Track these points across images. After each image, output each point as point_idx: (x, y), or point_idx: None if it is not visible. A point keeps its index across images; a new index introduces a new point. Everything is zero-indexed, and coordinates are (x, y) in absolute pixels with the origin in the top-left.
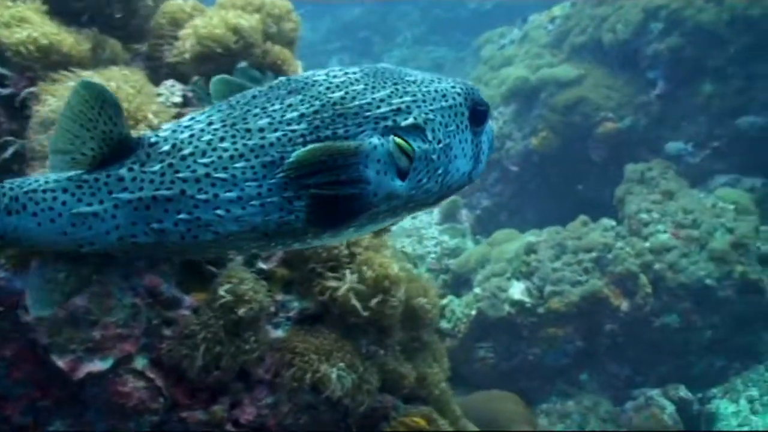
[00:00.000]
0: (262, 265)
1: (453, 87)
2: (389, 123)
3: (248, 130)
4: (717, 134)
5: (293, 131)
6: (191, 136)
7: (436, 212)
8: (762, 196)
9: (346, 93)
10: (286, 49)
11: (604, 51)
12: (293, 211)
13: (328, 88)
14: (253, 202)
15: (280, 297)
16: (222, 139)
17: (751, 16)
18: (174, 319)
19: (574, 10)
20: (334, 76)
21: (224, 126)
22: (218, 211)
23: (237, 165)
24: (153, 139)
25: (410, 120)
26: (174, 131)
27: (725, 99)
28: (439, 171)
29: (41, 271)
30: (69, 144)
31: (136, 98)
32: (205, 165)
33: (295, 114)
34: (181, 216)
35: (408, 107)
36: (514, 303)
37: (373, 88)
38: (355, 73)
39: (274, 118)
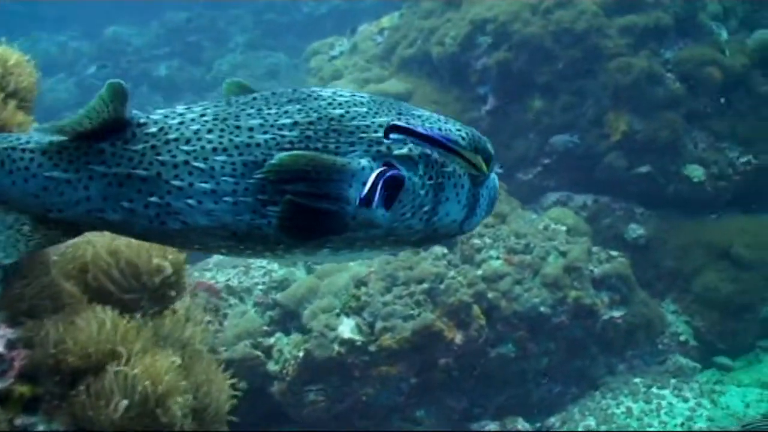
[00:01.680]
0: None
1: (459, 130)
2: (383, 149)
3: (238, 127)
4: (547, 151)
5: (283, 136)
6: (181, 123)
7: None
8: (593, 213)
9: (347, 111)
10: (21, 110)
11: (433, 64)
12: (266, 216)
13: (330, 104)
14: (226, 198)
15: (20, 420)
16: (209, 131)
17: (578, 29)
18: None
19: (403, 21)
20: (340, 95)
21: (215, 119)
22: (190, 201)
23: (217, 158)
24: (143, 120)
25: (404, 150)
26: (166, 116)
27: (554, 115)
28: (425, 209)
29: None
30: (68, 127)
31: None
32: (187, 152)
33: (288, 120)
34: (153, 199)
35: (406, 138)
36: (344, 342)
37: (376, 113)
38: (362, 96)
39: (266, 121)
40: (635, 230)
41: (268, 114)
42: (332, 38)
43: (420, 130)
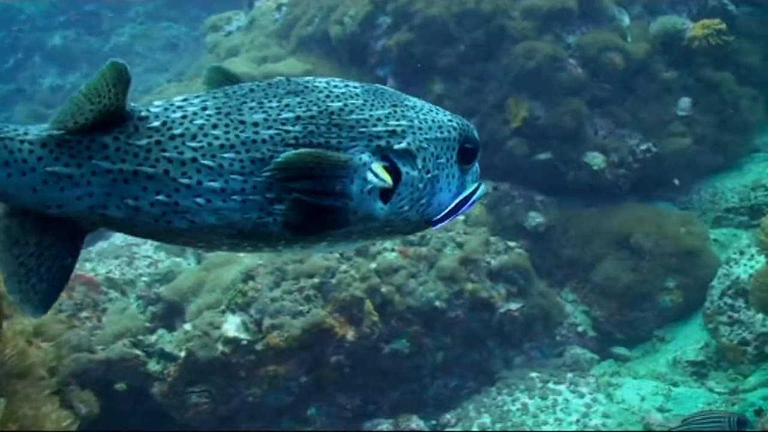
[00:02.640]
0: None
1: (450, 120)
2: (382, 143)
3: (242, 122)
4: None
5: (287, 132)
6: (183, 117)
7: None
8: (494, 200)
9: (345, 105)
10: None
11: (332, 44)
12: (272, 214)
13: (327, 96)
14: (235, 197)
15: None
16: (215, 126)
17: (483, 11)
18: None
19: None
20: (335, 86)
21: (218, 113)
22: (198, 200)
23: (226, 155)
24: (143, 113)
25: (404, 144)
26: (166, 109)
27: (457, 100)
28: (422, 201)
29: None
30: (68, 115)
31: None
32: (194, 149)
33: (291, 115)
34: (160, 197)
35: (403, 131)
36: (229, 341)
37: (372, 105)
38: (356, 87)
39: (269, 115)
40: (535, 218)
41: (270, 108)
42: (230, 12)
43: (453, 212)
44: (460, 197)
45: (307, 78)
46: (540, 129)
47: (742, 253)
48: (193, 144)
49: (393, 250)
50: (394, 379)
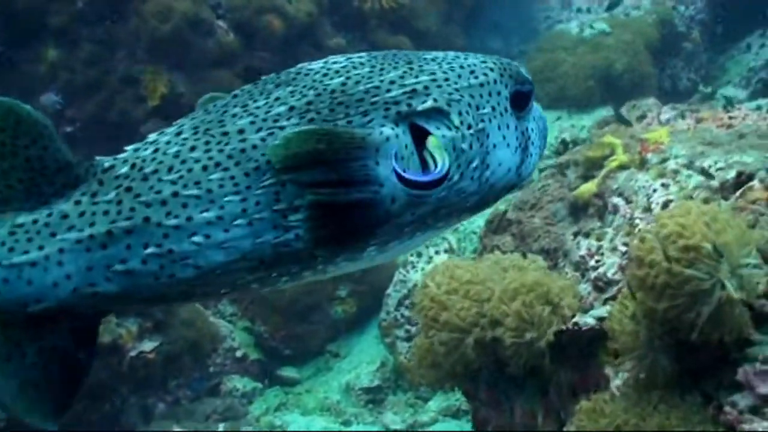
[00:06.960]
0: None
1: (484, 62)
2: (403, 108)
3: (225, 134)
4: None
5: (281, 128)
6: (155, 151)
7: None
8: None
9: (348, 78)
10: None
11: None
12: (290, 228)
13: (325, 75)
14: (238, 222)
15: None
16: (192, 149)
17: None
18: None
19: None
20: (334, 63)
21: (196, 133)
22: (195, 238)
23: (212, 177)
24: (109, 164)
25: (429, 103)
26: (136, 149)
27: (75, 70)
28: (474, 164)
29: None
30: None
31: None
32: (172, 182)
33: (283, 108)
34: (150, 250)
35: (426, 87)
36: None
37: (382, 69)
38: (360, 57)
39: (257, 116)
40: None
41: (257, 108)
42: None
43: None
44: None
45: (302, 64)
46: (184, 108)
47: (419, 254)
48: (171, 177)
49: None
50: None
